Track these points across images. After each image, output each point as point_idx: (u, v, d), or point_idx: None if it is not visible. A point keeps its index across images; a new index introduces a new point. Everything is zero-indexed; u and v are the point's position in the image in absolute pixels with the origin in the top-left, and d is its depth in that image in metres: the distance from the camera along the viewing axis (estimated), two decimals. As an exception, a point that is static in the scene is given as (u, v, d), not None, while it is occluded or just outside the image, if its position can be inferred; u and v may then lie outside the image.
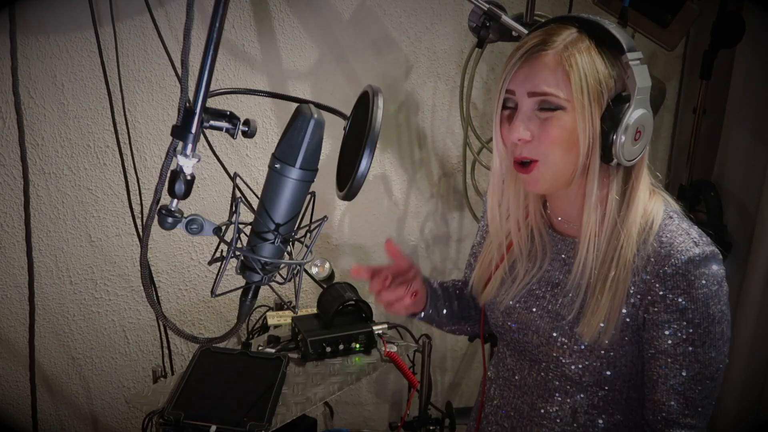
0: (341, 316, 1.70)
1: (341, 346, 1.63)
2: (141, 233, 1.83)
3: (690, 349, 0.97)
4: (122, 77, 1.73)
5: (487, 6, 1.53)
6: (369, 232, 2.12)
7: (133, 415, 2.05)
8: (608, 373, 1.04)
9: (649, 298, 0.98)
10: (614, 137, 0.93)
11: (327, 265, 1.92)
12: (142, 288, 1.88)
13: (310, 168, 0.81)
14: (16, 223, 1.77)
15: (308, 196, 0.84)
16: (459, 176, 2.12)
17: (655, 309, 0.98)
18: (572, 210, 1.05)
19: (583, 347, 1.03)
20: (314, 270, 1.92)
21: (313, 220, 0.86)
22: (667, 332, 0.97)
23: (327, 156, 1.16)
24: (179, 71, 1.18)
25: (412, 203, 2.13)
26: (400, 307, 1.14)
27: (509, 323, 1.14)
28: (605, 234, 1.00)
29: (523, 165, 0.99)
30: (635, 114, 0.93)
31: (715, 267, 0.96)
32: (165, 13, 1.71)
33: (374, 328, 1.68)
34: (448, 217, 2.19)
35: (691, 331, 0.96)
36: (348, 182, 0.79)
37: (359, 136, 0.79)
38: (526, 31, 1.58)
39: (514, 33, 1.58)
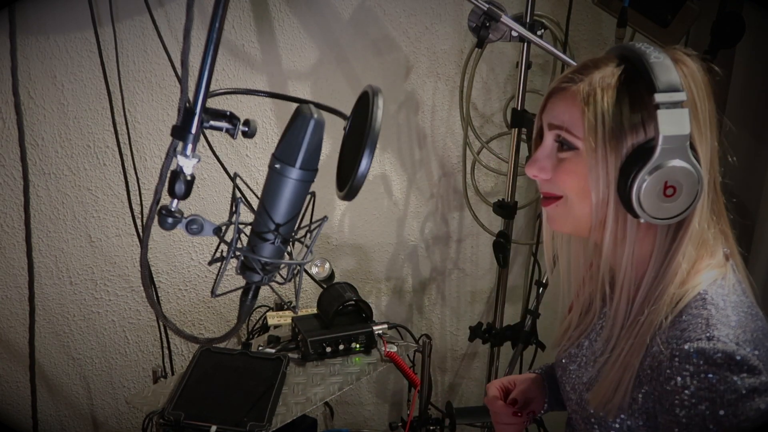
0: (341, 316, 1.70)
1: (341, 346, 1.63)
2: (141, 233, 1.83)
3: None
4: (122, 77, 1.73)
5: (487, 6, 1.53)
6: (369, 232, 2.12)
7: (133, 415, 2.05)
8: None
9: (655, 388, 0.85)
10: (629, 188, 0.82)
11: (327, 265, 1.92)
12: (142, 288, 1.88)
13: (310, 168, 0.81)
14: (16, 224, 1.77)
15: (308, 196, 0.84)
16: (459, 176, 2.12)
17: (659, 406, 0.84)
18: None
19: (594, 421, 0.93)
20: (314, 270, 1.92)
21: (313, 220, 0.86)
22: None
23: (327, 156, 1.16)
24: (179, 71, 1.18)
25: (412, 203, 2.13)
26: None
27: (557, 375, 1.08)
28: (639, 299, 0.89)
29: (546, 198, 0.94)
30: (664, 165, 0.80)
31: (733, 373, 0.77)
32: (165, 13, 1.71)
33: (374, 328, 1.67)
34: (448, 217, 2.19)
35: None
36: (348, 182, 0.79)
37: (359, 136, 0.79)
38: (526, 31, 1.58)
39: (514, 33, 1.58)
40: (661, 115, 0.80)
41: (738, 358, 0.78)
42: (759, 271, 1.89)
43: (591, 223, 0.89)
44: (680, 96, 0.80)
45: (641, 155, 0.82)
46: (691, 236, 0.87)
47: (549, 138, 0.91)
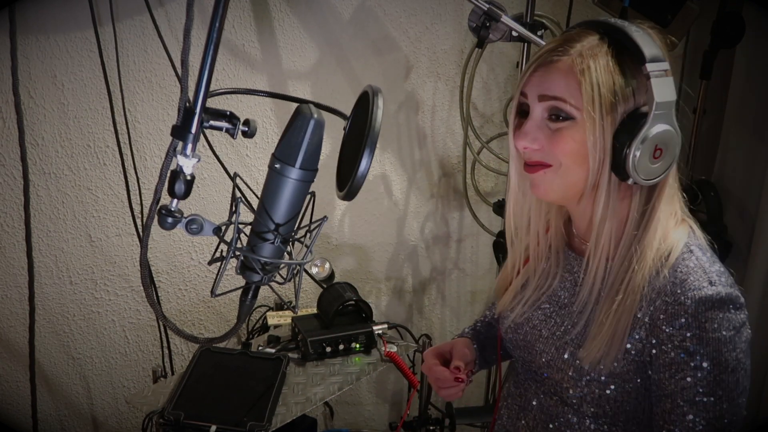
0: (341, 316, 1.70)
1: (341, 346, 1.63)
2: (141, 233, 1.83)
3: (698, 398, 0.88)
4: (122, 77, 1.73)
5: (487, 6, 1.53)
6: (369, 232, 2.12)
7: (133, 415, 2.05)
8: (608, 407, 0.98)
9: (657, 336, 0.91)
10: (626, 153, 0.87)
11: (327, 265, 1.92)
12: (142, 288, 1.88)
13: (310, 168, 0.81)
14: (16, 223, 1.77)
15: (308, 196, 0.84)
16: (459, 176, 2.12)
17: (663, 349, 0.90)
18: (589, 228, 0.99)
19: (583, 374, 0.97)
20: (314, 270, 1.92)
21: (313, 220, 0.86)
22: (675, 376, 0.89)
23: (327, 156, 1.16)
24: (179, 71, 1.18)
25: (412, 203, 2.13)
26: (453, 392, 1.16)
27: (516, 340, 1.10)
28: (620, 256, 0.94)
29: (531, 165, 0.95)
30: (653, 130, 0.87)
31: (731, 311, 0.88)
32: (165, 13, 1.71)
33: (374, 328, 1.68)
34: (448, 217, 2.19)
35: (699, 376, 0.88)
36: (348, 182, 0.79)
37: (359, 136, 0.79)
38: (526, 31, 1.58)
39: (514, 33, 1.58)
40: (655, 83, 0.86)
41: (734, 297, 0.89)
42: (759, 271, 1.89)
43: (583, 188, 0.93)
44: (665, 65, 0.88)
45: (634, 121, 0.88)
46: (667, 194, 0.94)
47: (539, 109, 0.93)
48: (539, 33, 1.61)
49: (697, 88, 1.94)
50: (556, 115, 0.91)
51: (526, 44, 1.66)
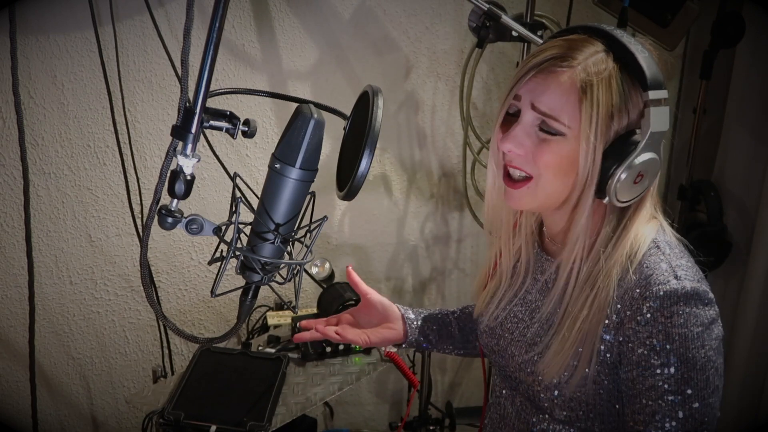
0: (341, 316, 1.70)
1: (341, 346, 1.63)
2: (141, 233, 1.83)
3: (669, 398, 0.85)
4: (122, 77, 1.73)
5: (487, 6, 1.53)
6: (369, 232, 2.12)
7: (133, 415, 2.05)
8: (580, 411, 0.95)
9: (624, 333, 0.89)
10: (612, 175, 0.86)
11: (327, 265, 1.92)
12: (142, 288, 1.88)
13: (310, 168, 0.81)
14: (16, 223, 1.77)
15: (308, 196, 0.84)
16: (459, 176, 2.12)
17: (630, 346, 0.88)
18: (563, 232, 0.98)
19: (553, 380, 0.95)
20: (314, 270, 1.92)
21: (313, 220, 0.86)
22: (643, 374, 0.87)
23: (327, 156, 1.16)
24: (179, 71, 1.18)
25: (412, 203, 2.13)
26: (349, 335, 1.12)
27: (491, 344, 1.09)
28: (587, 266, 0.93)
29: (514, 180, 0.93)
30: (641, 157, 0.86)
31: (699, 307, 0.85)
32: (165, 13, 1.71)
33: (374, 328, 1.67)
34: (448, 217, 2.19)
35: (666, 373, 0.85)
36: (348, 182, 0.79)
37: (359, 136, 0.79)
38: (526, 31, 1.58)
39: (514, 33, 1.58)
40: (653, 112, 0.85)
41: (701, 293, 0.87)
42: (759, 271, 1.89)
43: (560, 201, 0.93)
44: (664, 93, 0.86)
45: (625, 146, 0.87)
46: (643, 215, 0.93)
47: (530, 116, 0.90)
48: (539, 33, 1.61)
49: (697, 88, 1.94)
50: (545, 130, 0.89)
51: (526, 44, 1.66)
